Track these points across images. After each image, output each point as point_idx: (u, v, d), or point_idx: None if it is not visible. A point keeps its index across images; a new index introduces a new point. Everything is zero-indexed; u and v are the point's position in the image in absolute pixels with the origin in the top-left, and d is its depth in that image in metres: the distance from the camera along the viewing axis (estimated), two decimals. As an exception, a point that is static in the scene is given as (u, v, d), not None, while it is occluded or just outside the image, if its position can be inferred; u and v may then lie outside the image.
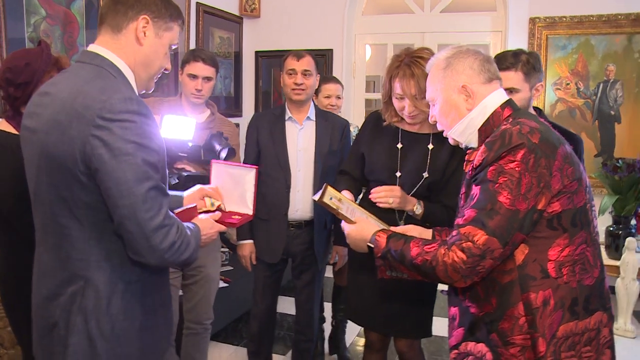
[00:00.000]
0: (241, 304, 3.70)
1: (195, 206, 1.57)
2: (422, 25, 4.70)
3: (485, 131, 1.41)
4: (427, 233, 1.70)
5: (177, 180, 2.10)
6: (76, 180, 1.24)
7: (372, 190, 2.00)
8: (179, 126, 2.11)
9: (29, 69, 1.85)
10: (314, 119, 2.59)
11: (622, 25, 4.12)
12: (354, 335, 3.57)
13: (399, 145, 2.08)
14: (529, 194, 1.24)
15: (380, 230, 1.49)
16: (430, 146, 2.05)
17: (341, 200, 1.70)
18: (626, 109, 4.18)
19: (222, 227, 1.61)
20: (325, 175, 2.51)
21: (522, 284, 1.28)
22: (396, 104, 2.02)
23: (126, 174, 1.20)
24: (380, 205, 1.98)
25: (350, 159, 2.27)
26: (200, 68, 2.37)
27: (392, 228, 1.66)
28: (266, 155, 2.51)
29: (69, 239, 1.29)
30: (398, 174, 2.05)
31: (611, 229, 3.70)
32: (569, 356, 1.27)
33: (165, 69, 1.44)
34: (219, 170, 1.86)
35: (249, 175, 1.82)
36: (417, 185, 2.03)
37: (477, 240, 1.24)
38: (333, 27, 4.78)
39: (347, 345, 3.37)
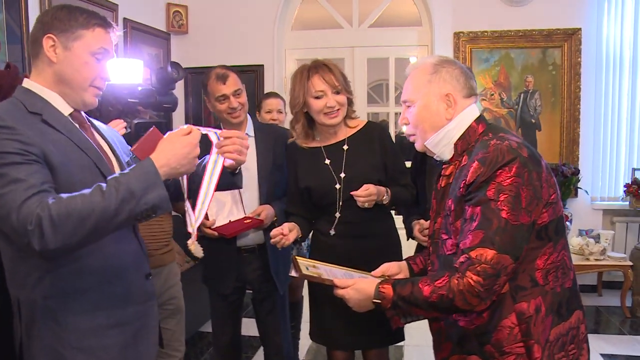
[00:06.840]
0: (189, 325, 3.52)
1: (154, 128, 1.43)
2: (351, 40, 4.77)
3: (461, 145, 1.43)
4: (404, 265, 1.68)
5: (128, 130, 1.94)
6: None
7: (359, 203, 2.03)
8: (123, 70, 1.92)
9: None
10: (253, 135, 2.42)
11: (536, 40, 4.43)
12: (304, 353, 3.53)
13: (327, 162, 2.14)
14: (529, 207, 1.27)
15: (381, 283, 1.41)
16: (345, 147, 2.14)
17: (315, 266, 1.62)
18: (545, 117, 4.48)
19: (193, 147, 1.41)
20: (271, 193, 2.37)
21: (513, 295, 1.30)
22: (316, 104, 2.06)
23: None
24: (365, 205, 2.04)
25: (291, 197, 2.24)
26: None
27: (373, 273, 1.63)
28: None
29: (5, 259, 1.34)
30: (338, 186, 2.09)
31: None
32: (560, 357, 1.31)
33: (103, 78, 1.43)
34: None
35: (232, 193, 2.28)
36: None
37: (490, 260, 1.24)
38: (263, 42, 4.75)
39: (301, 362, 3.32)
